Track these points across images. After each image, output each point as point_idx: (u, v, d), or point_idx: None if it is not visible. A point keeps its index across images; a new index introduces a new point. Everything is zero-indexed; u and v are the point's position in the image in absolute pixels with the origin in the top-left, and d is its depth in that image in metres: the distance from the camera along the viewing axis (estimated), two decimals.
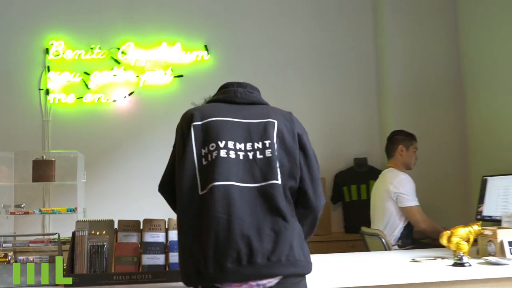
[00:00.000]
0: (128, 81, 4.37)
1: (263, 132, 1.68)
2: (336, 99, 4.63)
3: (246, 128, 1.69)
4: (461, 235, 2.32)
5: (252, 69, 4.53)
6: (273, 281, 1.51)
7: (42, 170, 3.02)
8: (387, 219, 3.28)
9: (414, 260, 2.41)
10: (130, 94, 4.36)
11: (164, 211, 2.09)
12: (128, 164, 4.32)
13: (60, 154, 3.32)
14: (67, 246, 2.07)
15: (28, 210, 2.89)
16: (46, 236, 2.09)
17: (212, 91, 1.95)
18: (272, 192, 1.59)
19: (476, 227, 2.35)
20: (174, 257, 2.07)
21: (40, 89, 4.27)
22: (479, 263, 2.22)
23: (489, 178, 3.25)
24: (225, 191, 1.56)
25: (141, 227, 2.16)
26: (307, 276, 1.61)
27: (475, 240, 2.41)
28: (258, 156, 1.64)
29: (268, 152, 1.64)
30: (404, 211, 3.24)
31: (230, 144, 1.64)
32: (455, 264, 2.22)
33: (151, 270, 2.05)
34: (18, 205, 2.90)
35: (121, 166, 4.32)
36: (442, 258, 2.42)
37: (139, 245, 2.11)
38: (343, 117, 4.62)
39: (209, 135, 1.66)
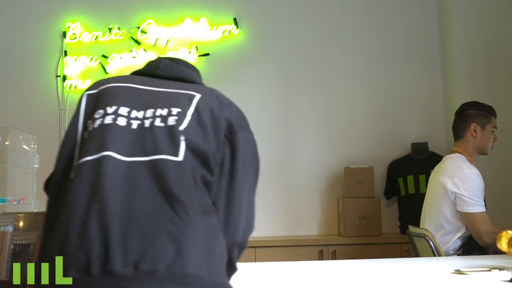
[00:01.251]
0: None
1: (175, 100, 1.16)
2: (388, 74, 3.90)
3: (153, 96, 1.19)
4: None
5: (287, 45, 3.95)
6: None
7: None
8: (440, 222, 2.48)
9: (457, 272, 1.69)
10: None
11: None
12: None
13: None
14: None
15: None
16: None
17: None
18: (164, 170, 1.04)
19: None
20: None
21: (57, 76, 3.96)
22: None
23: None
24: (96, 165, 1.05)
25: None
26: None
27: None
28: (157, 124, 1.11)
29: (171, 120, 1.11)
30: (464, 217, 2.44)
31: (123, 110, 1.14)
32: None
33: None
34: None
35: None
36: (500, 269, 1.68)
37: None
38: (397, 95, 3.88)
39: (100, 103, 1.18)
